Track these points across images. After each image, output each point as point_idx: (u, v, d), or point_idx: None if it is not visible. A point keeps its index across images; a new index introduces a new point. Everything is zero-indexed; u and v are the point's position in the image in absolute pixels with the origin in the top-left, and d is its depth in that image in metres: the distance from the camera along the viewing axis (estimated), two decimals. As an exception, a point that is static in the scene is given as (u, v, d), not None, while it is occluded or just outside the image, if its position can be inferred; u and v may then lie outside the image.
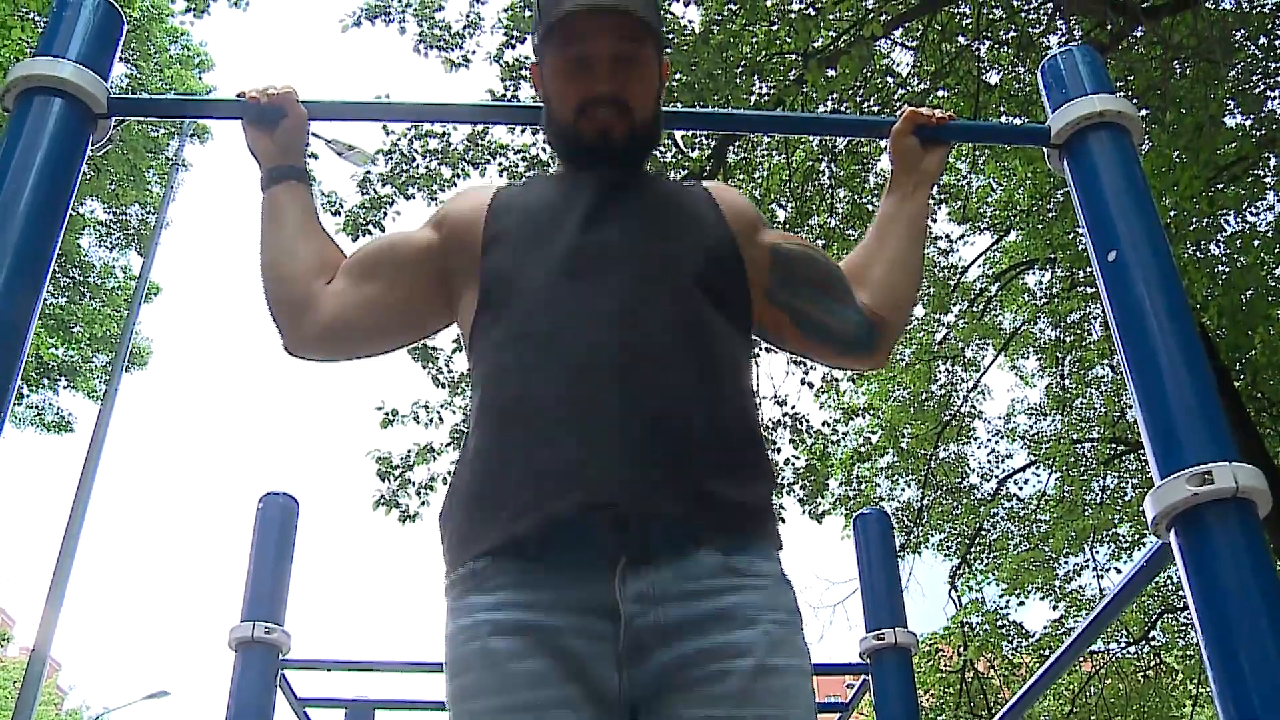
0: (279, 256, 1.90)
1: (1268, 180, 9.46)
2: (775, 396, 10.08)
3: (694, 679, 1.48)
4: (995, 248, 13.27)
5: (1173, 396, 1.71)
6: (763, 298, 1.88)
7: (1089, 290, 11.04)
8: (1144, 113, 8.65)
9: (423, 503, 8.90)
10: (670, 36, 7.90)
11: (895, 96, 8.88)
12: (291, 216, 1.93)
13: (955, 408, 13.53)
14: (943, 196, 10.70)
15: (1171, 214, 8.24)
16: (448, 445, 8.96)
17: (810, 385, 10.16)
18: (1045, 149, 2.10)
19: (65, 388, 14.92)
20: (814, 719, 1.56)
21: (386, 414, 9.02)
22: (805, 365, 9.84)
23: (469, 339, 1.77)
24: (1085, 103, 2.02)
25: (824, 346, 1.94)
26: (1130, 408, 11.08)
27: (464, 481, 1.64)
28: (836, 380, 11.46)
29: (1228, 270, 9.36)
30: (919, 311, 12.71)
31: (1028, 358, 13.92)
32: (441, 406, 9.15)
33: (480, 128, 8.67)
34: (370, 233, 8.61)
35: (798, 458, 10.27)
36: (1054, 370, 13.45)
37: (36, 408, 15.19)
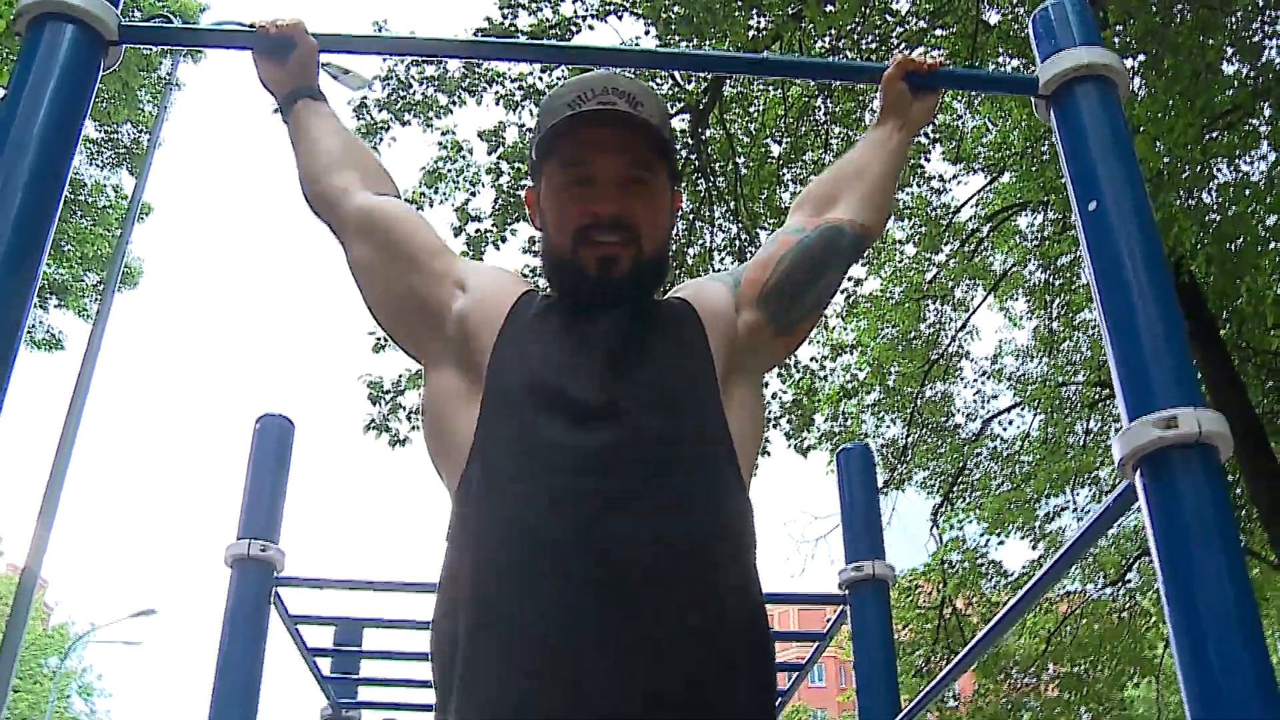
0: (311, 154, 1.96)
1: (1263, 130, 9.48)
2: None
3: None
4: (988, 189, 13.30)
5: (1145, 343, 1.77)
6: (775, 340, 1.85)
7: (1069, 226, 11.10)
8: (1141, 58, 8.66)
9: (413, 427, 9.01)
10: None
11: (893, 34, 8.86)
12: (316, 121, 2.00)
13: (943, 347, 13.62)
14: (936, 136, 10.71)
15: (1165, 160, 8.27)
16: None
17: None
18: (1033, 98, 2.15)
19: (56, 306, 14.92)
20: None
21: (379, 338, 9.08)
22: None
23: (469, 437, 1.65)
24: (1073, 54, 2.06)
25: (838, 281, 1.96)
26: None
27: (452, 625, 1.55)
28: (825, 317, 11.52)
29: (1218, 218, 9.42)
30: (909, 250, 12.77)
31: (1016, 299, 14.01)
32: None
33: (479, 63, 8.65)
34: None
35: (785, 392, 10.37)
36: (1042, 313, 13.54)
37: (28, 326, 15.20)
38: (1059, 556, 2.16)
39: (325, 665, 4.40)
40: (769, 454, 10.16)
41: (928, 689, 3.03)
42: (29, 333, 15.25)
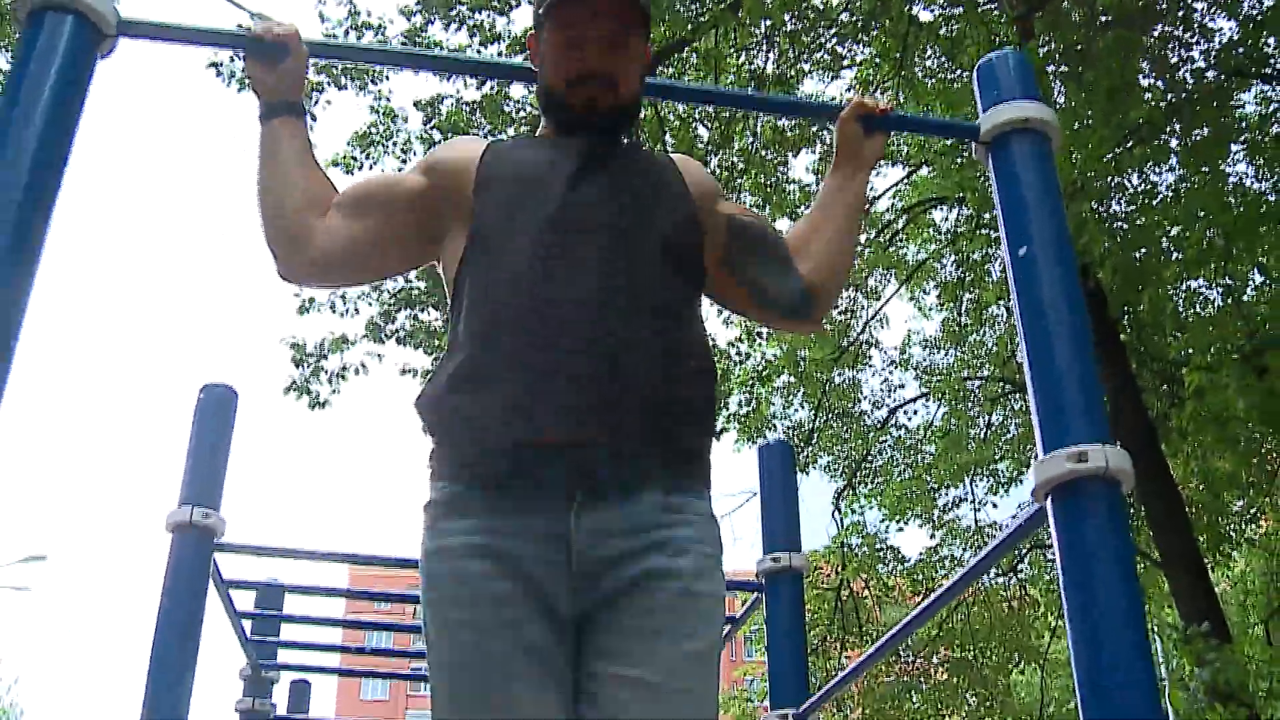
0: (276, 189, 2.04)
1: (1173, 144, 9.83)
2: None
3: (632, 596, 1.76)
4: (906, 181, 13.58)
5: (1062, 383, 1.97)
6: (717, 264, 2.10)
7: (992, 234, 11.41)
8: (1064, 68, 8.94)
9: (334, 390, 9.05)
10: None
11: (827, 33, 9.05)
12: (288, 151, 2.07)
13: (854, 335, 13.91)
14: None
15: (1076, 172, 8.56)
16: (363, 336, 9.08)
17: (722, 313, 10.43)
18: (974, 143, 2.32)
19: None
20: (721, 637, 1.86)
21: (303, 301, 9.09)
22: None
23: (455, 272, 1.96)
24: (1013, 107, 2.24)
25: (767, 310, 2.19)
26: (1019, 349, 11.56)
27: (444, 392, 1.86)
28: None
29: (1126, 228, 9.77)
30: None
31: (928, 292, 14.32)
32: (359, 298, 9.25)
33: (417, 24, 8.69)
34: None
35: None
36: (952, 306, 13.88)
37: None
38: (970, 568, 2.37)
39: (247, 627, 4.51)
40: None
41: (831, 684, 3.24)
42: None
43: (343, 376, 9.05)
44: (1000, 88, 2.30)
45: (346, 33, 8.60)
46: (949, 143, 11.42)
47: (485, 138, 2.35)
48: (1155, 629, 13.96)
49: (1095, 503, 1.86)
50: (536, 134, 2.21)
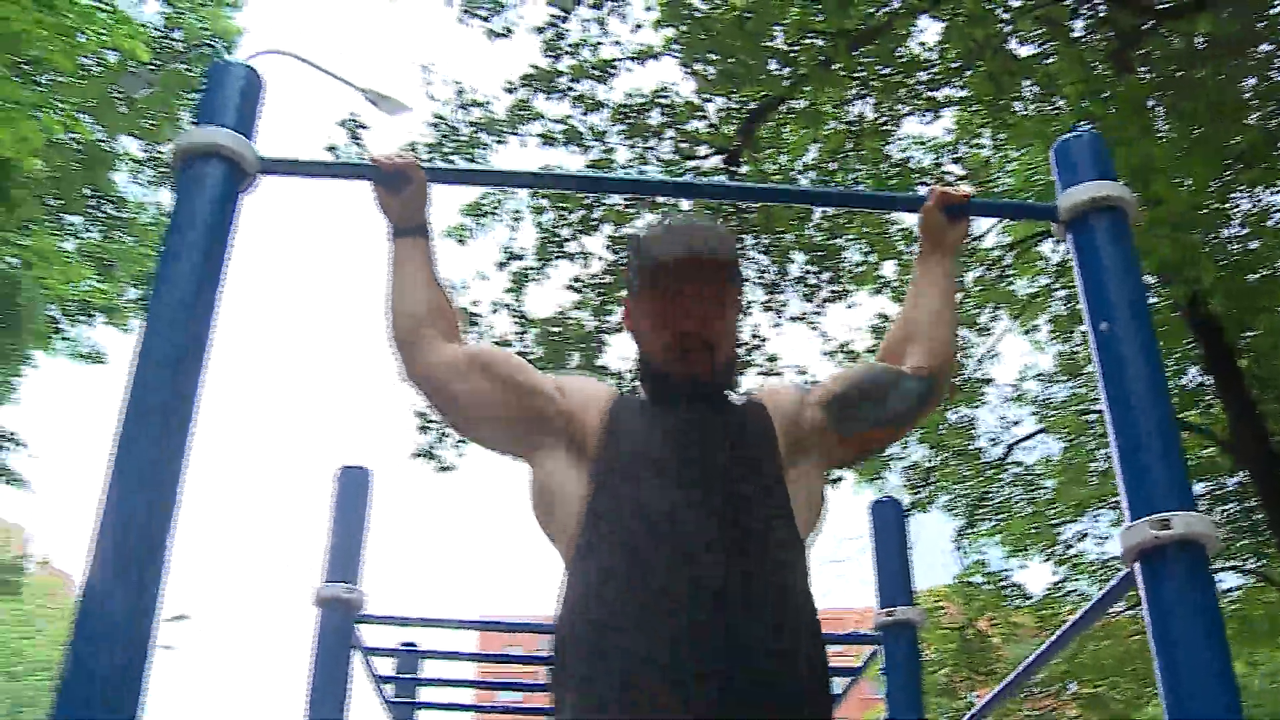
0: (400, 300, 2.26)
1: (1281, 167, 9.69)
2: (798, 368, 10.46)
3: None
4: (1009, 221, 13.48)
5: (1146, 453, 2.08)
6: (838, 445, 2.19)
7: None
8: (1167, 94, 8.88)
9: (459, 455, 9.38)
10: (706, 19, 8.22)
11: (918, 79, 9.14)
12: (413, 267, 2.29)
13: (967, 372, 13.84)
14: (965, 174, 10.98)
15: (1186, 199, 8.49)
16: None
17: (831, 355, 10.55)
18: (1053, 224, 2.45)
19: (103, 323, 15.27)
20: None
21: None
22: (825, 335, 10.21)
23: (577, 517, 2.01)
24: (1090, 188, 2.36)
25: (903, 426, 2.28)
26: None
27: (580, 634, 1.91)
28: (855, 350, 11.76)
29: (1238, 253, 9.65)
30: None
31: (1039, 329, 14.19)
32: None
33: (521, 97, 9.01)
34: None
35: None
36: (1065, 338, 13.73)
37: (72, 339, 15.51)
38: (1061, 633, 2.48)
39: (387, 691, 4.74)
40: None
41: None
42: (72, 345, 15.67)
43: (465, 442, 9.36)
44: (1077, 168, 2.42)
45: (454, 110, 9.00)
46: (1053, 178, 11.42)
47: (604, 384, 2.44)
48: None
49: (1179, 567, 1.97)
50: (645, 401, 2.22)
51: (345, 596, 3.69)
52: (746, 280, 8.65)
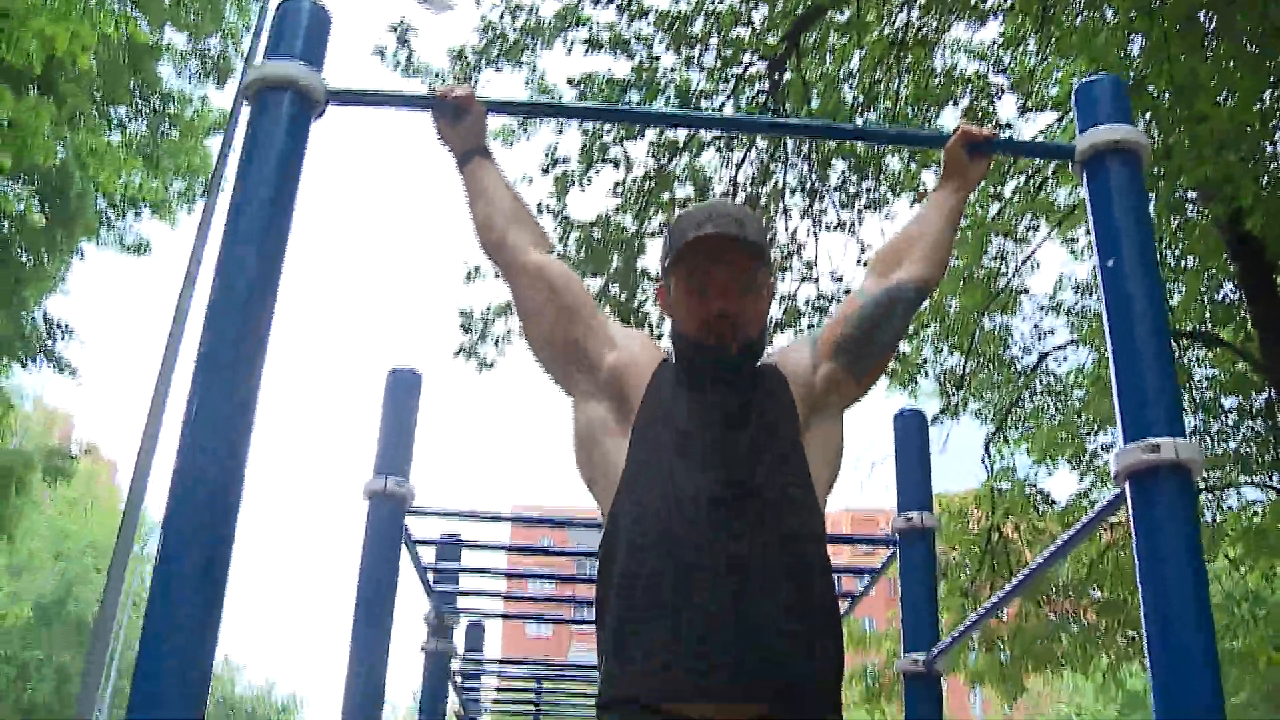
0: (483, 209, 2.47)
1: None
2: (834, 273, 10.57)
3: None
4: (1057, 125, 13.41)
5: (1143, 382, 2.26)
6: (856, 386, 2.35)
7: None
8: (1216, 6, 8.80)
9: (500, 353, 9.63)
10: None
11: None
12: (488, 182, 2.49)
13: (1004, 281, 13.85)
14: (1012, 84, 10.97)
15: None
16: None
17: (864, 264, 10.63)
18: (1070, 162, 2.59)
19: (150, 215, 15.45)
20: None
21: (470, 268, 9.63)
22: (862, 244, 10.30)
23: (618, 469, 2.19)
24: (1107, 130, 2.49)
25: (900, 340, 2.48)
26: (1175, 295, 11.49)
27: (613, 621, 2.09)
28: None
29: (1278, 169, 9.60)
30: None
31: (1077, 240, 14.17)
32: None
33: (568, 2, 9.07)
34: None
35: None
36: (1104, 250, 13.66)
37: (118, 230, 15.64)
38: (1053, 549, 2.69)
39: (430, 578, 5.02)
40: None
41: (958, 630, 3.56)
42: (118, 236, 15.84)
43: (508, 339, 9.61)
44: (1097, 110, 2.55)
45: (501, 15, 9.05)
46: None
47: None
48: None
49: (1167, 487, 2.16)
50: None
51: (396, 490, 3.92)
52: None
